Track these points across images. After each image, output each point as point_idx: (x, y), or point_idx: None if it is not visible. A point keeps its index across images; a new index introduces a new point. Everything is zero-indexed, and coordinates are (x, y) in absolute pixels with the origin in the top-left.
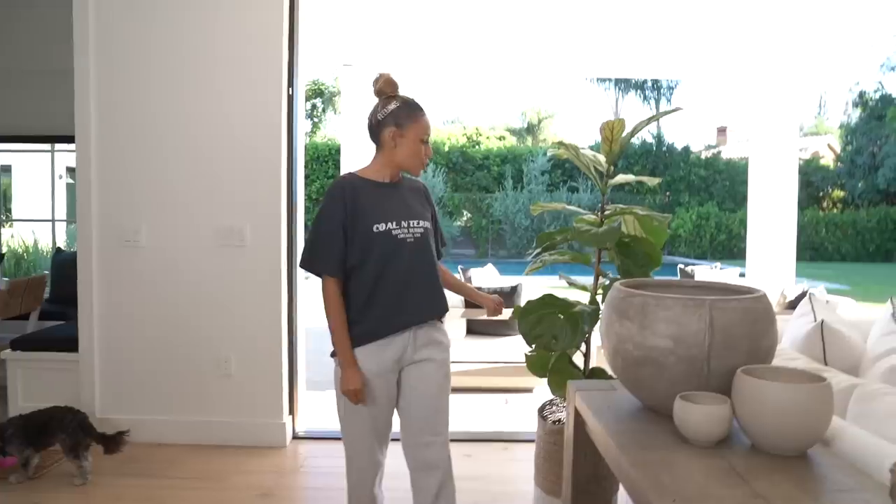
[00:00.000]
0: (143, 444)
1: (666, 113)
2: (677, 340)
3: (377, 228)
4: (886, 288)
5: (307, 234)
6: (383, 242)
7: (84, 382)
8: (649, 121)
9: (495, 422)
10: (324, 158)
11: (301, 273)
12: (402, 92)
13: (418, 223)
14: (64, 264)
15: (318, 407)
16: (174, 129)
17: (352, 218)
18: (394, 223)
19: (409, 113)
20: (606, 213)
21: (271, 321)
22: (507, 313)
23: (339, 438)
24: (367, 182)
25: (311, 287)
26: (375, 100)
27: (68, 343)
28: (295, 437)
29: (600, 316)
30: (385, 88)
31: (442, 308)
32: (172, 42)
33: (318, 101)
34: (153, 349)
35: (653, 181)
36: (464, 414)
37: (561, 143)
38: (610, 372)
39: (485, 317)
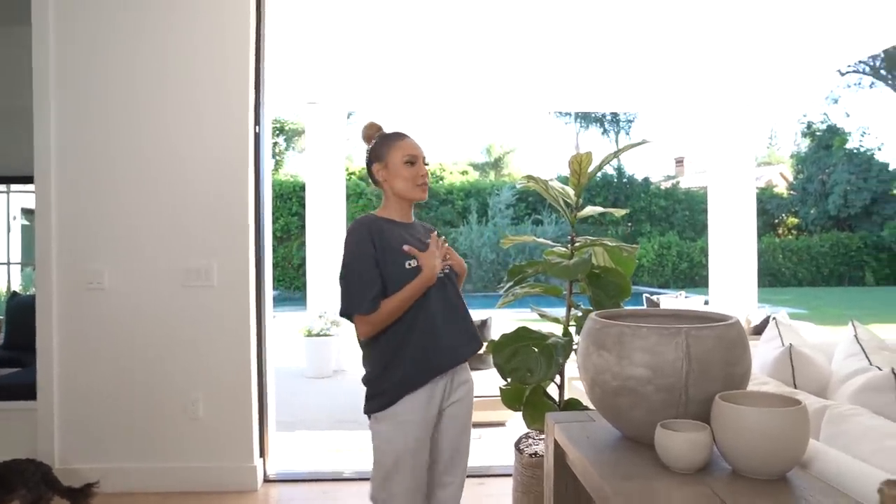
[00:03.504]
0: (109, 494)
1: (633, 146)
2: (655, 369)
3: (410, 264)
4: (841, 311)
5: (344, 280)
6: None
7: (42, 431)
8: (616, 154)
9: (470, 457)
10: (287, 196)
11: (270, 312)
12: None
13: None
14: (19, 309)
15: (290, 448)
16: (137, 169)
17: (382, 254)
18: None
19: (386, 141)
20: (576, 245)
21: (240, 362)
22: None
23: (312, 480)
24: (386, 220)
25: (280, 326)
26: (340, 137)
27: (24, 391)
28: (266, 479)
29: (575, 347)
30: (370, 132)
31: (477, 345)
32: (136, 79)
33: (280, 139)
34: (118, 394)
35: (620, 212)
36: None
37: (530, 177)
38: (585, 402)
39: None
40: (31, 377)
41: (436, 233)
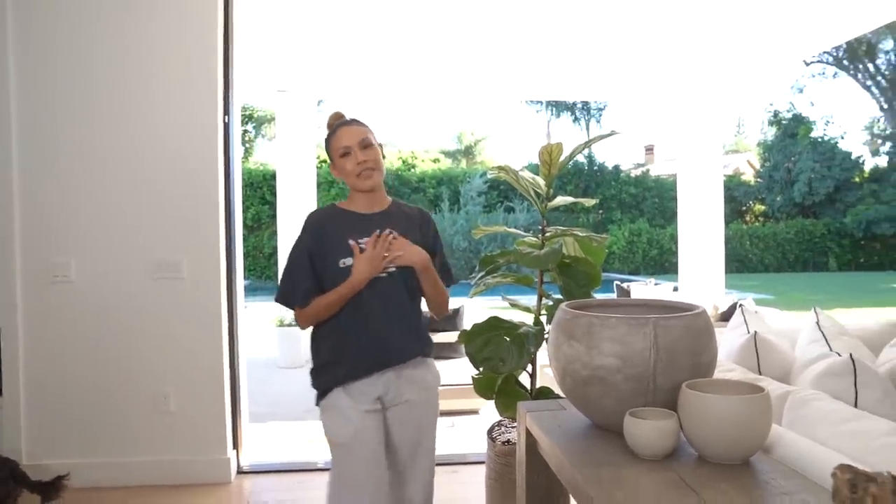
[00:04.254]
0: (80, 489)
1: (601, 137)
2: (624, 359)
3: (343, 263)
4: (806, 295)
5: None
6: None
7: (8, 427)
8: (586, 145)
9: (442, 445)
10: (257, 185)
11: (241, 303)
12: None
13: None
14: None
15: (263, 440)
16: (104, 159)
17: (320, 250)
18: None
19: (327, 140)
20: (547, 235)
21: (212, 353)
22: (452, 336)
23: (286, 471)
24: (343, 213)
25: (251, 316)
26: (311, 125)
27: None
28: (240, 471)
29: (546, 337)
30: (331, 122)
31: (422, 346)
32: (102, 66)
33: (249, 127)
34: (87, 388)
35: (590, 202)
36: None
37: (500, 168)
38: (556, 391)
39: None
40: None
41: (384, 232)
